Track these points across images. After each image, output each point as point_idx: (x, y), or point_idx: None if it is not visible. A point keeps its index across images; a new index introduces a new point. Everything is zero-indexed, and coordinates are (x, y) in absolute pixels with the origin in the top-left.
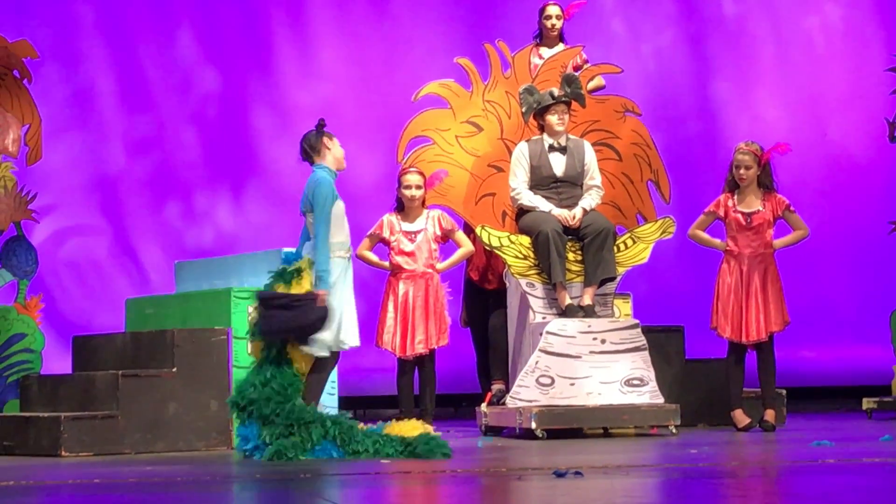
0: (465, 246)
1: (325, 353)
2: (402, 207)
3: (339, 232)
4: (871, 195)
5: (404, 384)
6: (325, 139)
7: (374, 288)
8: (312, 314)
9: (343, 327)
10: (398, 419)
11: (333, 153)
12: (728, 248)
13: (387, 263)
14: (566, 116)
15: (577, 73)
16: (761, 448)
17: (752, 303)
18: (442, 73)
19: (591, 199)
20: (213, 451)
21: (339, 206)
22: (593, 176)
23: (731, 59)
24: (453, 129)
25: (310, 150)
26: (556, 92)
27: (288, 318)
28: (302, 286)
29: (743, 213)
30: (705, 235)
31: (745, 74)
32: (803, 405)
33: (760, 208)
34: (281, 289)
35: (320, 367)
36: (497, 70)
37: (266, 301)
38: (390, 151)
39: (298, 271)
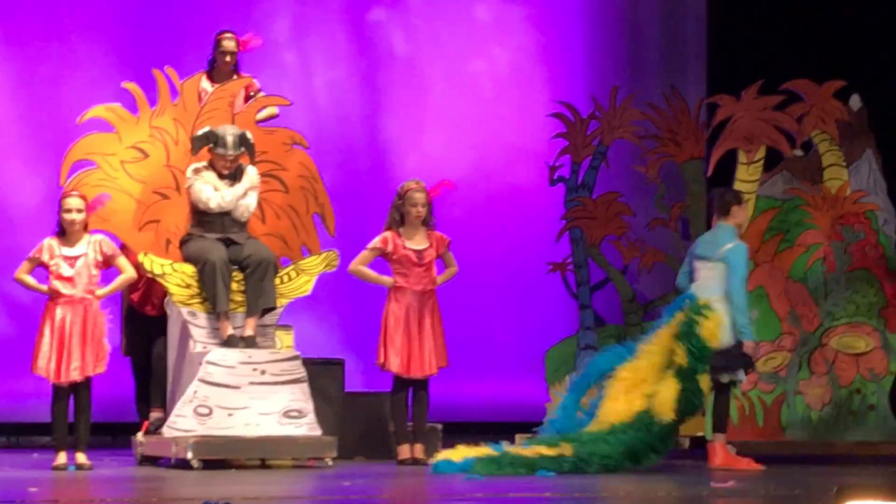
0: (127, 272)
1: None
2: (63, 232)
3: None
4: (532, 236)
5: (58, 411)
6: (736, 206)
7: (33, 312)
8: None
9: None
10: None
11: (737, 218)
12: (398, 285)
13: (45, 287)
14: (233, 165)
15: (249, 135)
16: (414, 481)
17: (424, 338)
18: (110, 97)
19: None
20: None
21: None
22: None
23: (401, 97)
24: (119, 153)
25: (724, 207)
26: (230, 143)
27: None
28: (713, 324)
29: (414, 251)
30: (371, 272)
31: (416, 112)
32: (459, 439)
33: (427, 245)
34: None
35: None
36: (165, 97)
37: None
38: (55, 174)
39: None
